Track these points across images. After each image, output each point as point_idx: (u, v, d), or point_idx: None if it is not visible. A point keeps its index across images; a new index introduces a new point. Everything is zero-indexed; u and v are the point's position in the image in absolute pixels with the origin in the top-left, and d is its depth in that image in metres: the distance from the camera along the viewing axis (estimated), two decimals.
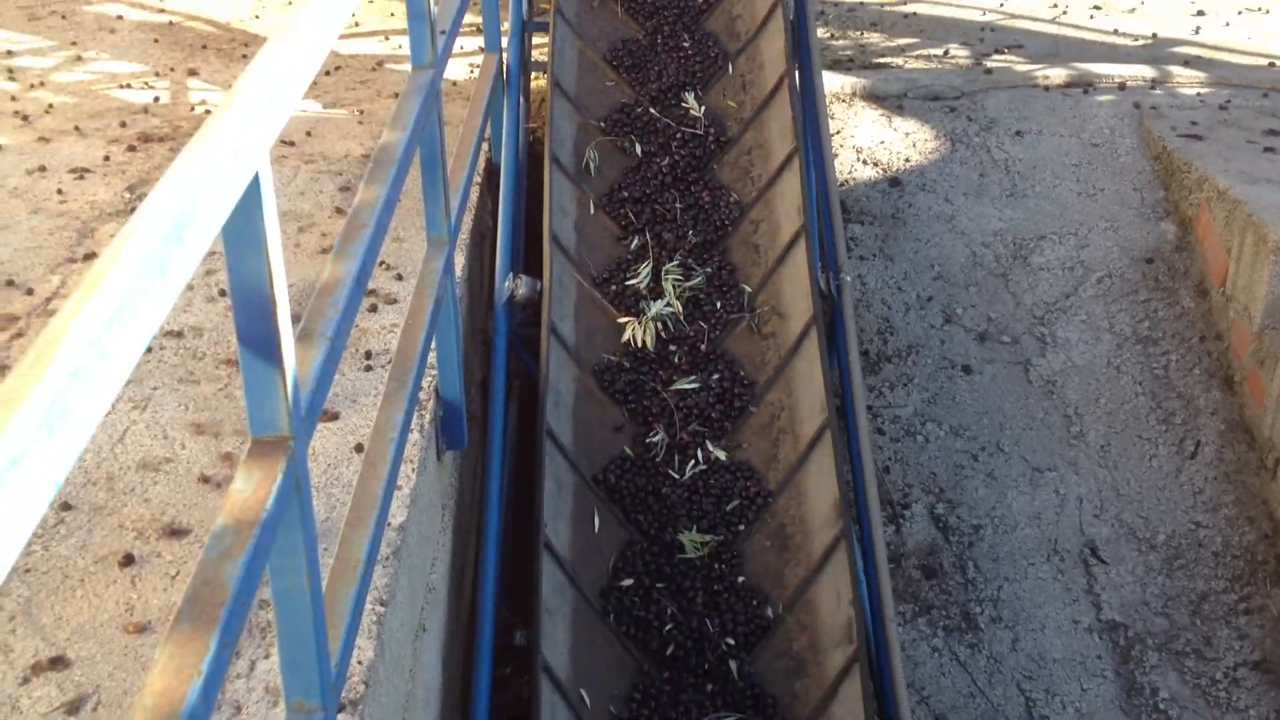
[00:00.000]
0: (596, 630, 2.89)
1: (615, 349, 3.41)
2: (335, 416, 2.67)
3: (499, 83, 4.19)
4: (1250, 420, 3.96)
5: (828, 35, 5.90)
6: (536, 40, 4.91)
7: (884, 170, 4.89)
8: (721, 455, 3.17)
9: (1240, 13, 6.04)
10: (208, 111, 4.42)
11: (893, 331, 4.24)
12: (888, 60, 5.62)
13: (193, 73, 4.80)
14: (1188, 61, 5.45)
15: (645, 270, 3.51)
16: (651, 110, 3.96)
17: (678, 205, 3.70)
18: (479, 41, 4.58)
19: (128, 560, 2.24)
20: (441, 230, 2.89)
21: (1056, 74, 5.27)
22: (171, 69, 4.82)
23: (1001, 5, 6.18)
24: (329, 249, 3.44)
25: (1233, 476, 3.92)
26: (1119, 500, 3.91)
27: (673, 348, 3.38)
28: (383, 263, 3.29)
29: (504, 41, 4.32)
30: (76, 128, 4.15)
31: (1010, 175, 4.76)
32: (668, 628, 2.87)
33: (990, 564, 3.75)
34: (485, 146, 4.13)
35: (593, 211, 3.75)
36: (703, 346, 3.41)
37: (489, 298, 3.84)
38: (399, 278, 3.32)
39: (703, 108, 3.96)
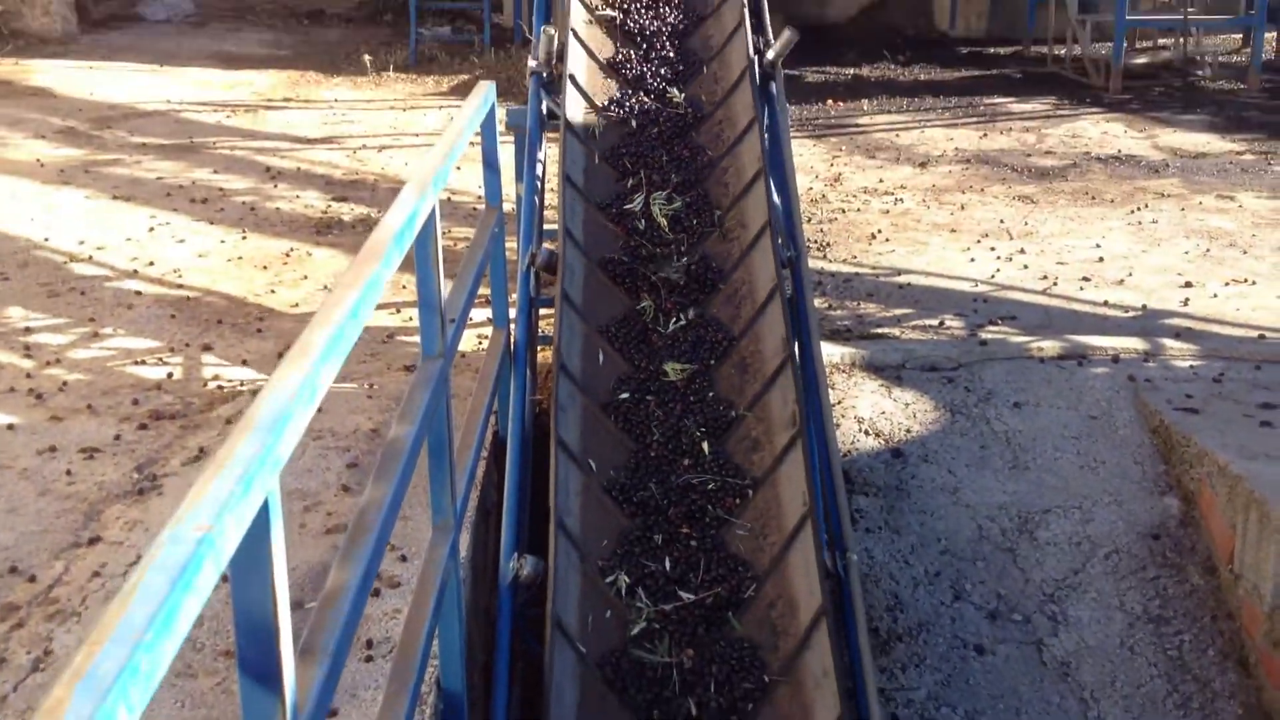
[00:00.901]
0: (601, 424, 3.75)
1: (615, 250, 4.39)
2: (334, 713, 2.62)
3: (506, 358, 4.28)
4: (1269, 703, 3.87)
5: (825, 306, 6.06)
6: (543, 317, 5.04)
7: (886, 441, 4.93)
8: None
9: (1227, 284, 6.21)
10: (220, 387, 4.51)
11: (902, 609, 4.19)
12: (885, 331, 5.76)
13: (207, 348, 4.92)
14: (1179, 334, 5.57)
15: (638, 199, 4.55)
16: (644, 97, 5.00)
17: (664, 157, 4.75)
18: (487, 313, 4.71)
19: None
20: (447, 515, 2.90)
21: (1050, 345, 5.38)
22: (186, 344, 4.94)
23: (992, 277, 6.37)
24: (335, 528, 3.44)
25: None
26: None
27: (659, 250, 4.42)
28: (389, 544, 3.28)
29: (511, 313, 4.43)
30: (89, 406, 4.23)
31: (1011, 447, 4.81)
32: (654, 424, 3.74)
33: None
34: (492, 419, 4.18)
35: (597, 162, 4.77)
36: (683, 249, 4.42)
37: (493, 575, 3.81)
38: (403, 559, 3.31)
39: (683, 95, 5.03)
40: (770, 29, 5.42)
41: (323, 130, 9.19)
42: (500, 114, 4.51)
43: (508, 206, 4.77)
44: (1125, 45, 10.94)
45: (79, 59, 11.45)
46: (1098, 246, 6.77)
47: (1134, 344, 5.40)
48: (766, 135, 4.86)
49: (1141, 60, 11.56)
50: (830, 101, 10.62)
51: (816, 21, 14.05)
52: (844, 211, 7.54)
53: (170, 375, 4.60)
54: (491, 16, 12.71)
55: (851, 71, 12.06)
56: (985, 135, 9.34)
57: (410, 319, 5.34)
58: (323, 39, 13.33)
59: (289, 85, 10.81)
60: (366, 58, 11.51)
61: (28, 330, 4.99)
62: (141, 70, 11.06)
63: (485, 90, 3.82)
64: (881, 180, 8.16)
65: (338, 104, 10.13)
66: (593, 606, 3.25)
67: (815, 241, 6.99)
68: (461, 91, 10.73)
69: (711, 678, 3.04)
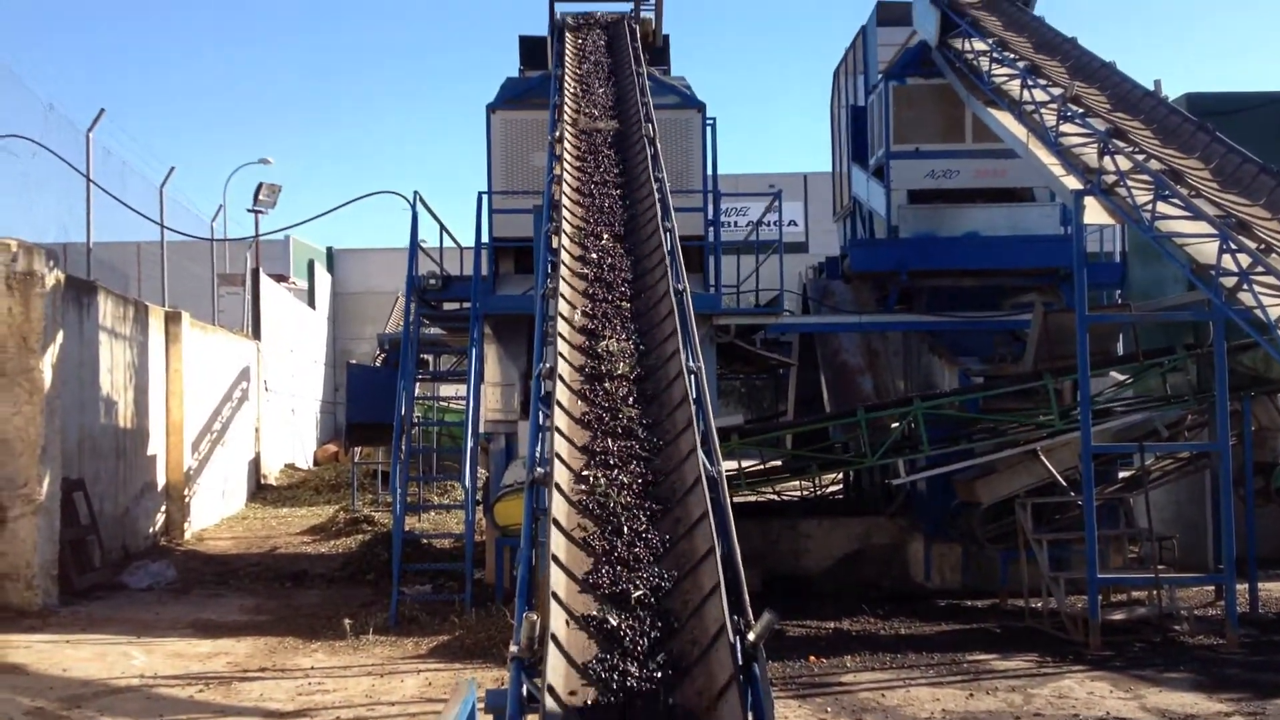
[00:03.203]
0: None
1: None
2: None
3: None
4: None
5: None
6: None
7: None
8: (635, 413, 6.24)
9: None
10: None
11: None
12: None
13: None
14: None
15: (602, 344, 6.73)
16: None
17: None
18: None
19: None
20: None
21: None
22: None
23: None
24: None
25: None
26: None
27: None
28: None
29: None
30: None
31: None
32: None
33: None
34: None
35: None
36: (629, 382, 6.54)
37: None
38: None
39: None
40: (750, 606, 5.42)
41: (297, 702, 9.00)
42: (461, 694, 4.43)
43: None
44: (1100, 600, 11.08)
45: (57, 632, 11.44)
46: None
47: None
48: (751, 714, 4.74)
49: (1118, 616, 11.67)
50: (812, 658, 10.54)
51: (793, 572, 14.31)
52: None
53: None
54: (474, 572, 12.88)
55: (832, 625, 12.10)
56: (971, 695, 9.20)
57: None
58: (304, 601, 13.41)
59: (266, 653, 10.70)
60: (346, 622, 11.50)
61: None
62: (119, 642, 11.01)
63: (464, 694, 3.76)
64: None
65: (314, 671, 9.98)
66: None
67: None
68: (441, 654, 10.65)
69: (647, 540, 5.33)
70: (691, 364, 6.60)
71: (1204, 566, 13.48)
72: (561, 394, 6.50)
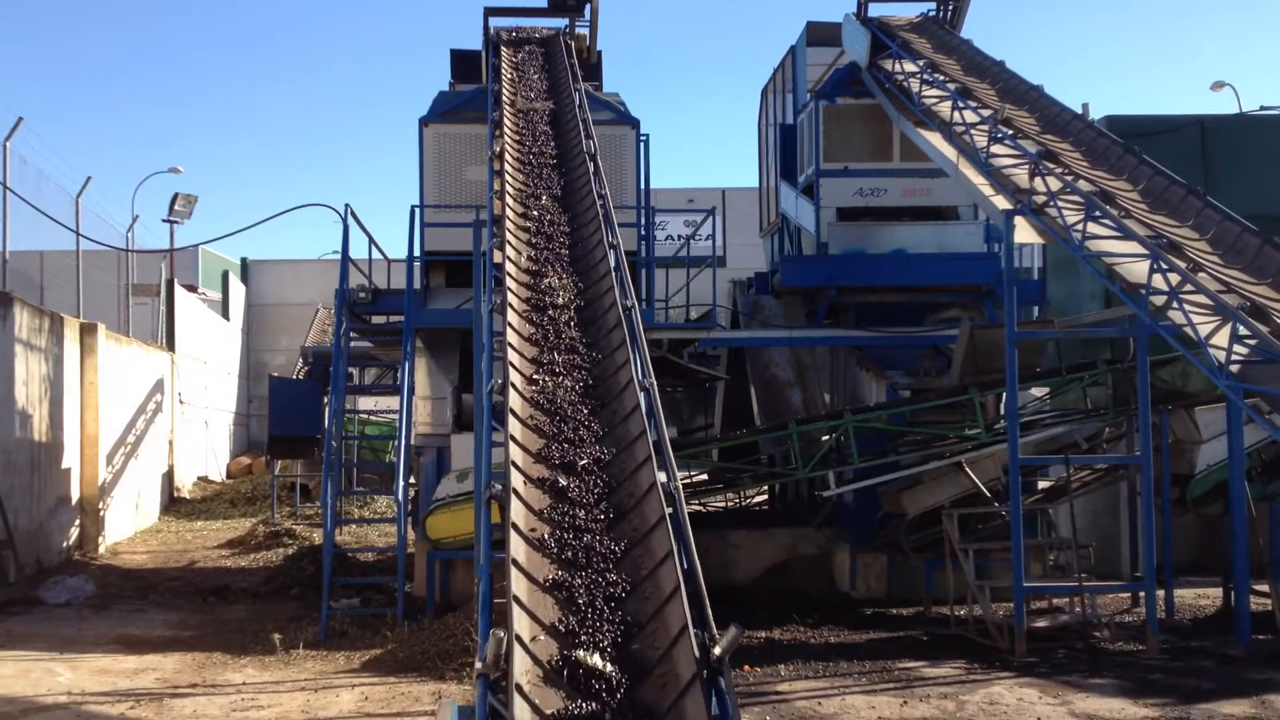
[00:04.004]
0: None
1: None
2: None
3: None
4: None
5: None
6: None
7: None
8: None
9: None
10: None
11: None
12: None
13: None
14: None
15: (545, 281, 7.19)
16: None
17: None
18: None
19: None
20: None
21: None
22: None
23: None
24: None
25: None
26: None
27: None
28: None
29: None
30: None
31: None
32: None
33: None
34: None
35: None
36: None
37: None
38: None
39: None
40: (714, 624, 5.47)
41: (232, 718, 8.88)
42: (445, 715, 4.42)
43: None
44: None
45: None
46: None
47: None
48: None
49: (1041, 623, 11.94)
50: (746, 668, 10.64)
51: (722, 584, 14.35)
52: None
53: None
54: (405, 585, 12.76)
55: (763, 634, 12.20)
56: (905, 703, 9.36)
57: None
58: (229, 616, 13.21)
59: (195, 669, 10.53)
60: (275, 636, 11.35)
61: None
62: (42, 658, 10.75)
63: (447, 715, 3.77)
64: None
65: (246, 687, 9.85)
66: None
67: None
68: (374, 668, 10.56)
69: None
70: (643, 379, 6.67)
71: (1118, 574, 13.86)
72: (511, 335, 7.12)
